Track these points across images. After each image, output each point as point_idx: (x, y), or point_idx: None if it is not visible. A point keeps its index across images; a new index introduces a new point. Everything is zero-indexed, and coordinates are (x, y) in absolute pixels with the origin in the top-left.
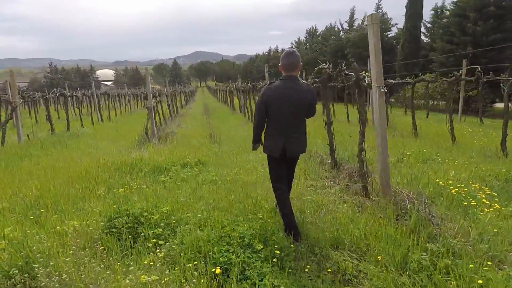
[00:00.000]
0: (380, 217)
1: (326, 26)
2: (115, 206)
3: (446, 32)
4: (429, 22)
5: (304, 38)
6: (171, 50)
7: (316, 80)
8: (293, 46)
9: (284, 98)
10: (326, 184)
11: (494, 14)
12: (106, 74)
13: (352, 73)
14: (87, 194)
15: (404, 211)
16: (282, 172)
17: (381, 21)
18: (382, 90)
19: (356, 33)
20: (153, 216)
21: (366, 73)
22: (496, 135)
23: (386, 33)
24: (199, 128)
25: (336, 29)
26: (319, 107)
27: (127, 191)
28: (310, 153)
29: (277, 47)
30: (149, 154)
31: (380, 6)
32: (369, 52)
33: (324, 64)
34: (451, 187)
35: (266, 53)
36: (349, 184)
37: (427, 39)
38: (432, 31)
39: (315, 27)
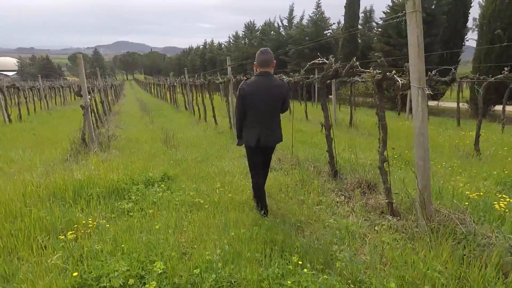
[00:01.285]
0: (470, 255)
1: (265, 21)
2: (75, 274)
3: (383, 34)
4: (360, 24)
5: (243, 33)
6: (89, 38)
7: (305, 77)
8: (231, 40)
9: (260, 92)
10: (337, 199)
11: (424, 20)
12: (6, 63)
13: (371, 71)
14: (13, 249)
15: (461, 236)
16: (257, 159)
17: (320, 19)
18: (427, 92)
19: (297, 29)
20: (146, 284)
21: (394, 71)
22: (453, 134)
23: (324, 32)
24: (144, 129)
25: (276, 25)
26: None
27: (81, 234)
28: (298, 160)
29: (212, 40)
30: (96, 170)
31: (320, 5)
32: (409, 45)
33: (321, 58)
34: (495, 202)
35: (202, 46)
36: (368, 199)
37: (359, 40)
38: (364, 32)
39: (253, 22)
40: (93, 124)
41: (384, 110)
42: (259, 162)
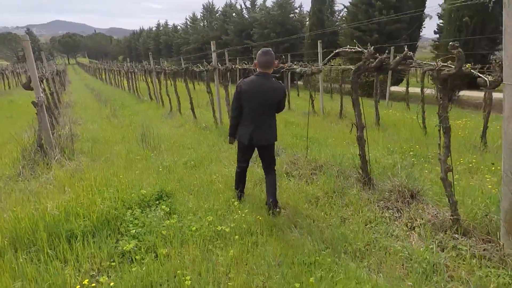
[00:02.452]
0: None
1: (226, 2)
2: None
3: (353, 19)
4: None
5: (201, 15)
6: (17, 16)
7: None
8: (188, 22)
9: (256, 93)
10: (386, 214)
11: (394, 5)
12: None
13: (433, 62)
14: None
15: None
16: (247, 157)
17: (285, 2)
18: None
19: (262, 12)
20: None
21: (469, 66)
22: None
23: (290, 16)
24: (109, 125)
25: (238, 6)
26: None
27: None
28: (317, 164)
29: (166, 21)
30: (73, 193)
31: None
32: (505, 32)
33: (352, 46)
34: None
35: (155, 28)
36: (419, 211)
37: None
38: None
39: (212, 3)
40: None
41: (448, 110)
42: (248, 158)
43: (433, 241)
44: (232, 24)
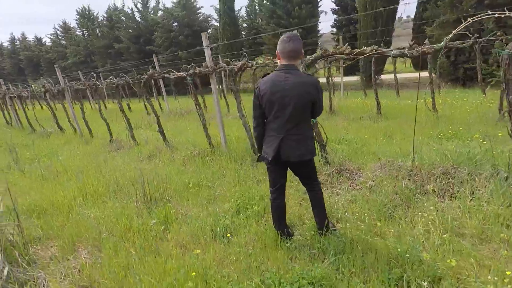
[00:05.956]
0: None
1: (109, 6)
2: None
3: (272, 16)
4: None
5: (76, 22)
6: None
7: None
8: (58, 32)
9: (279, 93)
10: None
11: (307, 1)
12: None
13: None
14: None
15: None
16: (279, 179)
17: (188, 1)
18: None
19: (160, 13)
20: None
21: None
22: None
23: (196, 15)
24: (29, 179)
25: (128, 9)
26: None
27: None
28: (439, 168)
29: (24, 34)
30: None
31: None
32: None
33: None
34: None
35: (8, 43)
36: None
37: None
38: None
39: (88, 8)
40: None
41: None
42: (282, 183)
43: None
44: (124, 30)
